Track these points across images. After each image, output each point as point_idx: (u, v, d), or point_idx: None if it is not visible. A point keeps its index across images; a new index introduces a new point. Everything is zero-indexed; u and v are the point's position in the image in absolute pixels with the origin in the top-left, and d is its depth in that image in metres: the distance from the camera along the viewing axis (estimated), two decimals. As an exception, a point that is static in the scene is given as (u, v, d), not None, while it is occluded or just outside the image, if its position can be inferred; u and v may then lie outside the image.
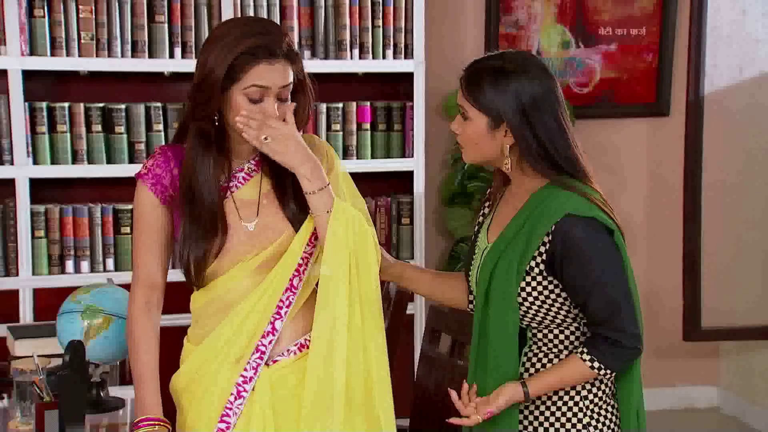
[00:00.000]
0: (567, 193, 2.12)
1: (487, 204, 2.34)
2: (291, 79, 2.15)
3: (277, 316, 2.19)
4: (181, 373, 2.25)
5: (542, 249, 2.10)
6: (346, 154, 4.02)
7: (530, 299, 2.13)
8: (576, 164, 2.16)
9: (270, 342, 2.19)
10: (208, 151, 2.18)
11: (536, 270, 2.11)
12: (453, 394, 2.18)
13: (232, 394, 2.17)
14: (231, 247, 2.19)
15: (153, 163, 2.22)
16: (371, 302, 2.19)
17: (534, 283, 2.12)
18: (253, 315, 2.18)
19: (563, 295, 2.12)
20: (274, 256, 2.19)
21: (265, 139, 2.11)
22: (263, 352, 2.18)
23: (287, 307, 2.19)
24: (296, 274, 2.19)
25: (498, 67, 2.13)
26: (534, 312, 2.14)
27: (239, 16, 3.79)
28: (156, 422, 2.17)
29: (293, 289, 2.20)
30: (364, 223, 2.18)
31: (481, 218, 2.34)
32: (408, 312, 3.04)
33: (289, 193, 2.21)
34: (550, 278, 2.11)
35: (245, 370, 2.18)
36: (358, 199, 2.28)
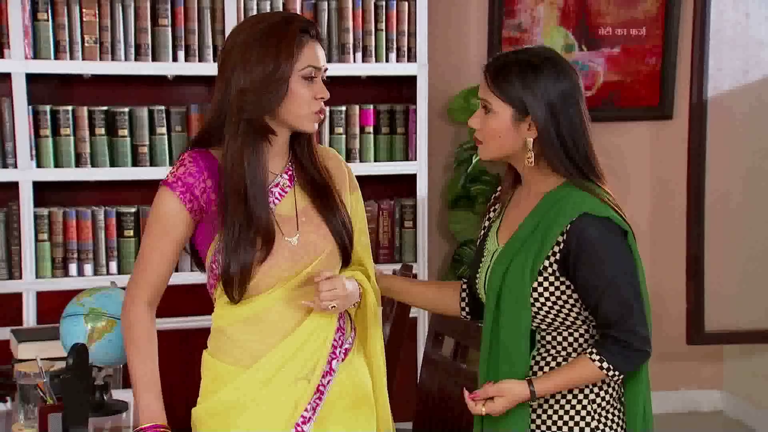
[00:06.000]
0: (582, 193, 2.12)
1: (493, 208, 2.33)
2: None
3: (334, 356, 2.22)
4: (220, 400, 2.19)
5: (556, 248, 2.09)
6: (349, 158, 4.02)
7: (542, 299, 2.12)
8: (593, 165, 2.17)
9: (329, 382, 2.21)
10: (261, 148, 2.14)
11: (549, 270, 2.10)
12: (466, 393, 2.17)
13: None
14: (275, 263, 2.15)
15: (184, 172, 2.14)
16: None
17: (546, 284, 2.11)
18: (306, 349, 2.19)
19: (574, 296, 2.12)
20: (315, 275, 2.17)
21: (333, 307, 2.16)
22: (322, 392, 2.20)
23: (341, 346, 2.24)
24: (341, 315, 2.26)
25: (526, 60, 2.13)
26: (545, 313, 2.13)
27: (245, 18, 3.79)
28: (162, 429, 2.15)
29: (341, 331, 2.25)
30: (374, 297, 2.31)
31: (487, 222, 2.33)
32: (411, 315, 3.04)
33: (332, 206, 2.21)
34: (562, 278, 2.10)
35: (306, 410, 2.18)
36: (364, 220, 2.33)
